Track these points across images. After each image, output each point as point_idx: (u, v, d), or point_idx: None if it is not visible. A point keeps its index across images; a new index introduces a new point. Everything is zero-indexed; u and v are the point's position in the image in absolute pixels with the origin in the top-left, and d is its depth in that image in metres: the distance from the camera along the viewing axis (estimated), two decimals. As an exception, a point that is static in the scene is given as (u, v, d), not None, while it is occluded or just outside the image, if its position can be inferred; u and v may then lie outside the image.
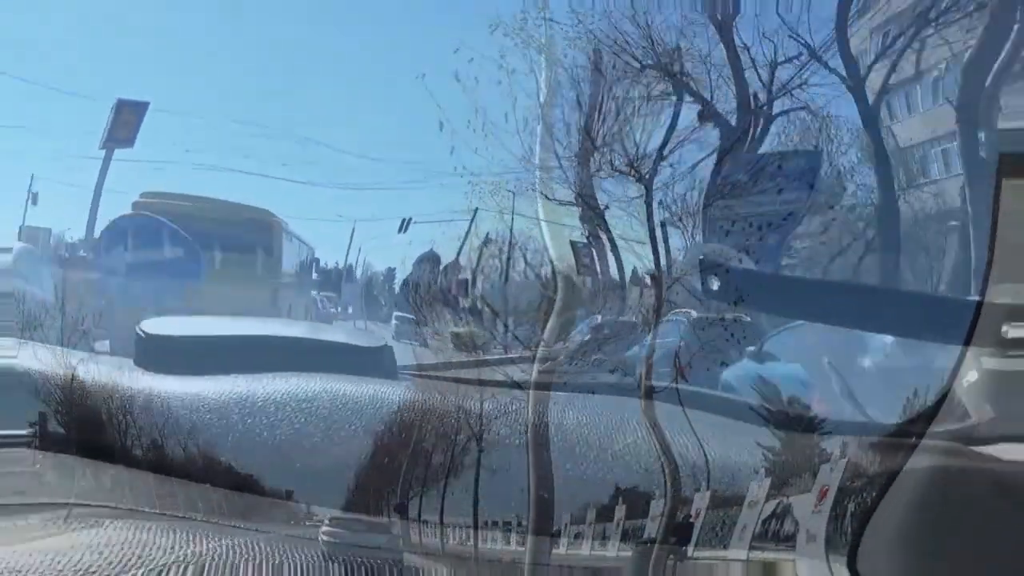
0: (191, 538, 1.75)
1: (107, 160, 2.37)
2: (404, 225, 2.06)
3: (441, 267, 2.14)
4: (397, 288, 2.44)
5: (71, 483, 1.86)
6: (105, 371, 1.87)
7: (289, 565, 1.73)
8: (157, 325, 2.07)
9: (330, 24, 2.16)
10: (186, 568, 1.66)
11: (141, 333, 2.02)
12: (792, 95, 1.82)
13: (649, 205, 1.87)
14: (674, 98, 1.84)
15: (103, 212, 2.60)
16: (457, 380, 2.01)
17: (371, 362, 2.11)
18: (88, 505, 1.86)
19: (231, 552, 1.73)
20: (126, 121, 2.21)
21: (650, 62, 1.84)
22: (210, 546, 1.73)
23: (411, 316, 2.21)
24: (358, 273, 2.64)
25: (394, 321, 2.34)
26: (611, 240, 1.93)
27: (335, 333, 2.47)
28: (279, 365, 1.95)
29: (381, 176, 2.26)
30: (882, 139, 1.86)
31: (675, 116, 1.85)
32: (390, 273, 2.45)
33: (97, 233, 2.68)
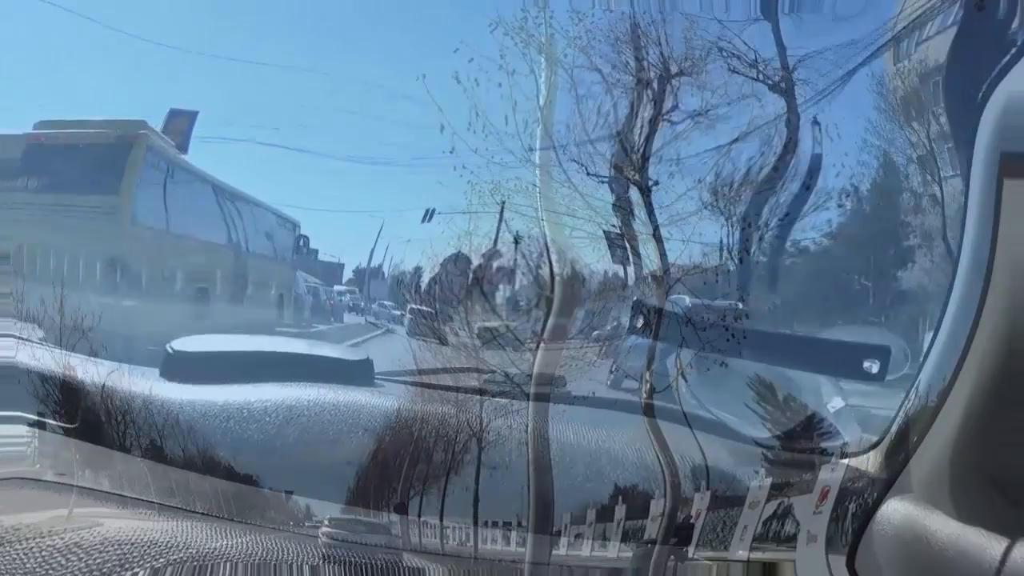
0: (191, 537, 1.75)
1: None
2: (428, 215, 2.04)
3: (442, 265, 2.14)
4: (389, 282, 2.43)
5: (71, 482, 1.86)
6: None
7: (288, 565, 1.73)
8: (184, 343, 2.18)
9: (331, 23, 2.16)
10: (185, 567, 1.66)
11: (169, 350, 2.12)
12: (792, 96, 1.81)
13: (649, 205, 1.87)
14: (673, 97, 1.84)
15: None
16: (455, 373, 2.01)
17: (354, 374, 2.15)
18: (89, 504, 1.87)
19: (230, 551, 1.73)
20: (177, 129, 2.27)
21: (651, 62, 1.84)
22: (209, 546, 1.73)
23: (428, 309, 2.22)
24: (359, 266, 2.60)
25: (408, 315, 2.34)
26: (611, 240, 1.92)
27: (324, 348, 2.43)
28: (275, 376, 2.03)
29: (383, 173, 2.26)
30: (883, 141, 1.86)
31: (674, 116, 1.84)
32: (393, 268, 2.43)
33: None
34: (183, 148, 2.26)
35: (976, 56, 1.47)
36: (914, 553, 1.54)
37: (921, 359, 1.61)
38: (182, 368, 2.04)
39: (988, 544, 1.38)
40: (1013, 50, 1.35)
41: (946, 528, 1.48)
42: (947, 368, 1.52)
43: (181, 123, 2.25)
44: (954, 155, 1.57)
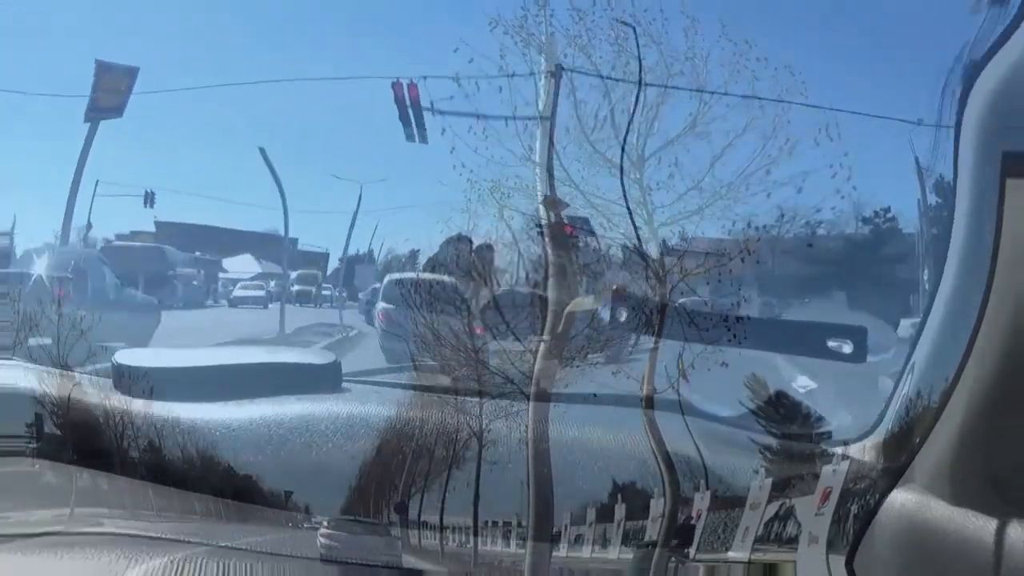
0: (191, 538, 1.76)
1: (91, 135, 2.01)
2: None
3: (440, 264, 2.12)
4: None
5: (71, 485, 1.87)
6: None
7: (288, 565, 1.74)
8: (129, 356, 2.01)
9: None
10: (186, 566, 1.66)
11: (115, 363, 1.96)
12: (794, 95, 1.80)
13: (650, 205, 1.86)
14: (673, 97, 1.83)
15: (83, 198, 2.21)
16: (454, 373, 2.00)
17: (322, 378, 1.99)
18: (89, 504, 1.87)
19: (230, 552, 1.73)
20: (113, 87, 1.86)
21: (651, 61, 1.83)
22: (209, 546, 1.74)
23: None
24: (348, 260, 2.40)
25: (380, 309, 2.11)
26: (612, 240, 1.92)
27: (288, 354, 2.22)
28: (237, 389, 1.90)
29: (379, 171, 2.26)
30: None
31: (675, 115, 1.84)
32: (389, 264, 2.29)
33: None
34: (119, 111, 1.91)
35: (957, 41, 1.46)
36: (914, 554, 1.53)
37: (910, 347, 1.60)
38: (132, 381, 1.92)
39: (989, 546, 1.37)
40: (996, 36, 1.34)
41: (947, 530, 1.47)
42: (949, 368, 1.51)
43: (117, 80, 1.87)
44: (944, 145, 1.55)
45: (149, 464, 1.82)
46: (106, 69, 1.87)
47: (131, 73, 1.88)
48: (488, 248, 1.96)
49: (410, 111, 1.83)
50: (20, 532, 1.77)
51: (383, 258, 2.23)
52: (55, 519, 1.84)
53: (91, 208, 2.29)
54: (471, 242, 1.96)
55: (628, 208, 1.80)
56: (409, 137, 1.89)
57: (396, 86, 1.84)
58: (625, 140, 1.80)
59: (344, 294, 2.39)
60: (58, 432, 1.85)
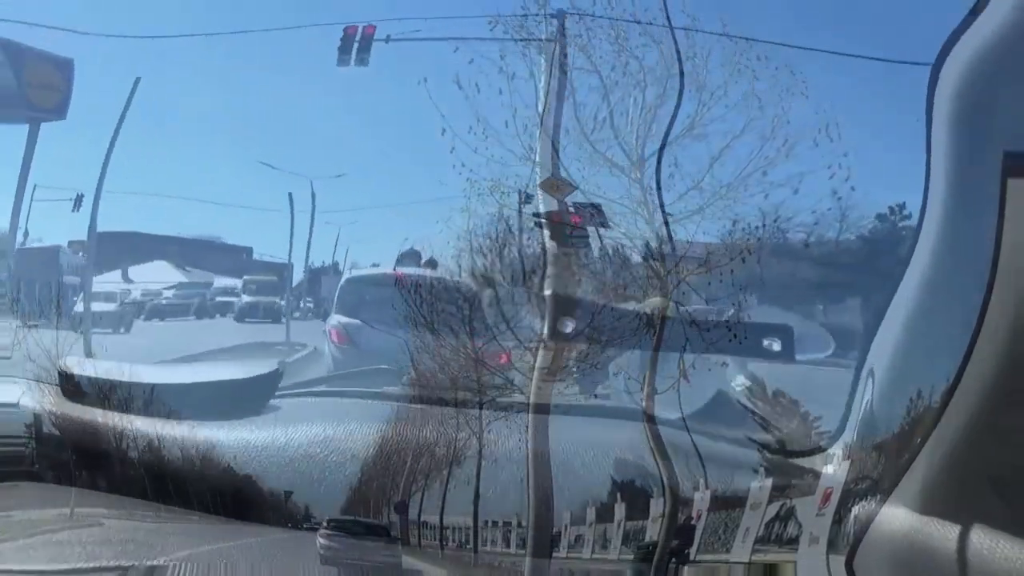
0: (189, 538, 1.76)
1: (32, 138, 1.73)
2: None
3: (437, 264, 2.11)
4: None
5: (71, 483, 1.87)
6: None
7: (287, 565, 1.74)
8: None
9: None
10: (184, 566, 1.67)
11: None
12: (795, 95, 1.80)
13: (650, 204, 1.85)
14: (674, 97, 1.82)
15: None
16: (455, 375, 2.00)
17: (263, 388, 1.86)
18: (89, 505, 1.88)
19: (229, 552, 1.74)
20: (45, 82, 1.57)
21: (651, 60, 1.82)
22: (208, 546, 1.74)
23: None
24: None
25: (336, 324, 1.89)
26: (612, 240, 1.91)
27: (227, 368, 1.95)
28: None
29: (380, 171, 2.25)
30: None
31: (675, 115, 1.83)
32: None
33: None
34: (62, 111, 1.65)
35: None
36: (915, 554, 1.53)
37: (863, 345, 1.62)
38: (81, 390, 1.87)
39: (989, 546, 1.37)
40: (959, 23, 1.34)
41: (948, 529, 1.47)
42: (949, 368, 1.51)
43: (49, 75, 1.56)
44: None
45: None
46: (33, 60, 1.60)
47: (66, 66, 1.61)
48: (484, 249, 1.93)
49: (356, 44, 1.67)
50: (25, 530, 1.77)
51: (346, 267, 2.00)
52: (57, 518, 1.85)
53: (28, 214, 2.15)
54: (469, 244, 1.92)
55: (661, 202, 1.79)
56: (343, 63, 1.77)
57: (350, 28, 1.71)
58: (669, 129, 1.77)
59: (311, 303, 2.04)
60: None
